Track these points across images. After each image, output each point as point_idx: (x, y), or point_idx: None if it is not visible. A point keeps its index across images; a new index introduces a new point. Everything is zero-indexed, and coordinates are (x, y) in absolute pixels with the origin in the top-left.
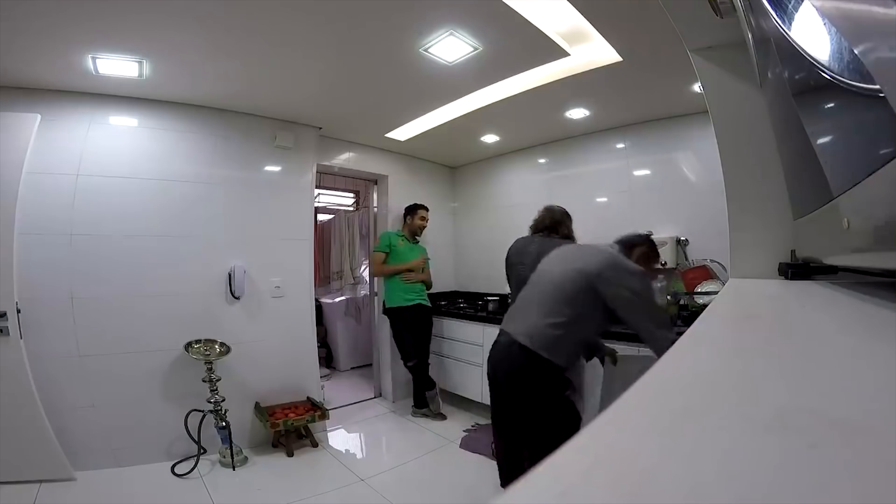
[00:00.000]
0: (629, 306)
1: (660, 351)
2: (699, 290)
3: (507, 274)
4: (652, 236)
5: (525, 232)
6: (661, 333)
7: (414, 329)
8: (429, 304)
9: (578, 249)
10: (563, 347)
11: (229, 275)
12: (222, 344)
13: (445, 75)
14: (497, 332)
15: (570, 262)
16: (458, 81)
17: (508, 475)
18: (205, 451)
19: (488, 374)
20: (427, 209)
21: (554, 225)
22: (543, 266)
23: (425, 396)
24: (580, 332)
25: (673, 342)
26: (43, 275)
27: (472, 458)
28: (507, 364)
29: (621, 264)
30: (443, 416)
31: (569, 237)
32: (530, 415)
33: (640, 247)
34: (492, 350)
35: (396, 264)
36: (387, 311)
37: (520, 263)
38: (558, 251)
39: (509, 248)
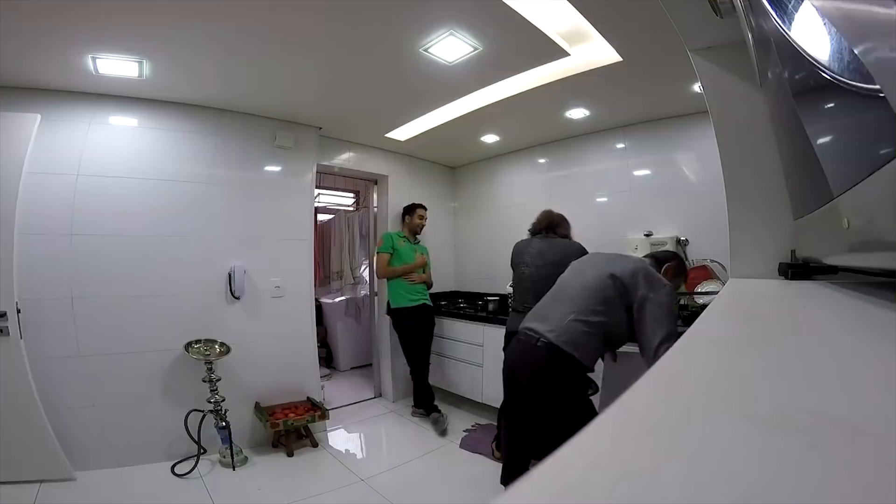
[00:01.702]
0: (650, 313)
1: (652, 363)
2: (699, 290)
3: (512, 276)
4: (651, 236)
5: (525, 231)
6: (664, 346)
7: (419, 329)
8: (431, 304)
9: (611, 256)
10: (591, 347)
11: (229, 275)
12: (222, 344)
13: (445, 75)
14: (497, 331)
15: (604, 266)
16: (458, 81)
17: (513, 474)
18: (205, 451)
19: (506, 372)
20: (425, 208)
21: (552, 226)
22: (575, 268)
23: (429, 403)
24: (609, 333)
25: None
26: (43, 275)
27: (472, 458)
28: (532, 361)
29: (654, 273)
30: (445, 433)
31: (566, 237)
32: (552, 412)
33: (670, 262)
34: (512, 347)
35: (402, 265)
36: (391, 311)
37: (521, 263)
38: (590, 256)
39: (512, 251)
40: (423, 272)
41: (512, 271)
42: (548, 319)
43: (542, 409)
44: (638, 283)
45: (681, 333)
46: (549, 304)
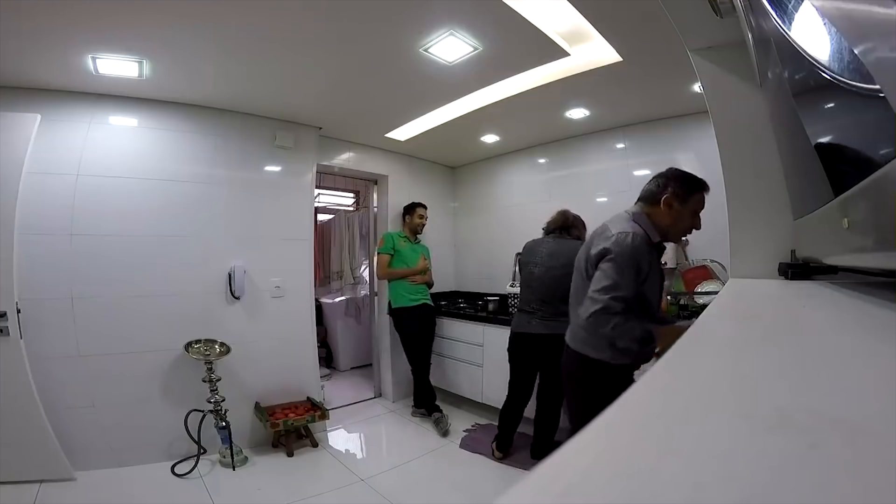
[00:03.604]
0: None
1: (587, 325)
2: (699, 290)
3: (520, 274)
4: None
5: (525, 231)
6: (599, 304)
7: (420, 329)
8: (433, 304)
9: (587, 244)
10: (600, 340)
11: (229, 275)
12: (222, 344)
13: (445, 75)
14: (497, 331)
15: (582, 255)
16: (458, 81)
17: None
18: (205, 451)
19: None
20: (425, 207)
21: (566, 227)
22: (575, 266)
23: (430, 403)
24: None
25: (609, 311)
26: (43, 275)
27: (472, 458)
28: (564, 368)
29: (609, 236)
30: (447, 434)
31: (580, 239)
32: (580, 417)
33: (665, 193)
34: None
35: (402, 268)
36: (393, 311)
37: (531, 262)
38: (575, 250)
39: (522, 249)
40: (423, 274)
41: (519, 269)
42: (571, 323)
43: (575, 414)
44: (598, 255)
45: (623, 299)
46: (570, 308)
